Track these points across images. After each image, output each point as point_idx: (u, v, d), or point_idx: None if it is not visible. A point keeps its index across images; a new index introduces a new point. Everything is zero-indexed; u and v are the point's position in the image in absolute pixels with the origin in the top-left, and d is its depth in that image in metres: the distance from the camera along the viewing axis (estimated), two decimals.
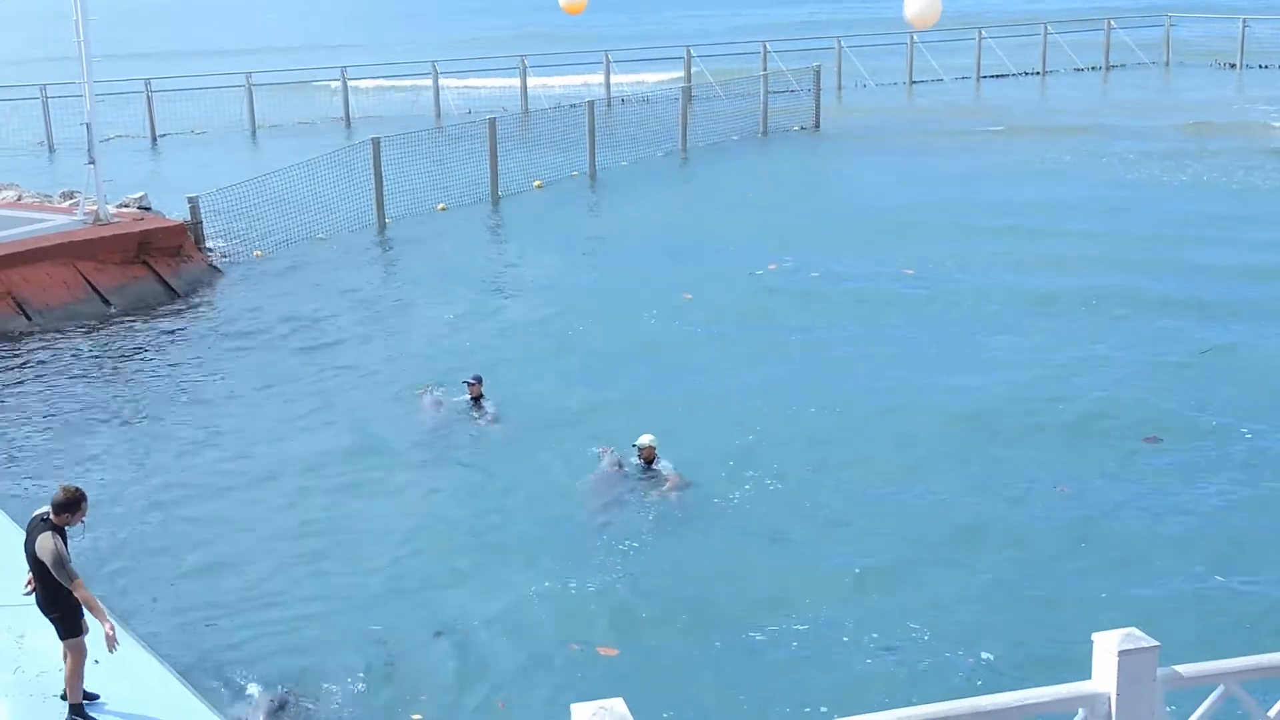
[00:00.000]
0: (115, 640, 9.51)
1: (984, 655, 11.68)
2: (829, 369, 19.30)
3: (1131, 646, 6.26)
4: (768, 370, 19.26)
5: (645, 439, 15.56)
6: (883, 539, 14.03)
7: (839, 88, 48.87)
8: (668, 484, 15.17)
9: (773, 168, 36.38)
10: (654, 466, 15.41)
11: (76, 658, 9.68)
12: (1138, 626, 6.51)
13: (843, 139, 39.71)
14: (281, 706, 10.83)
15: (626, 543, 14.05)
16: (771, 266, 24.85)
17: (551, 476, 15.76)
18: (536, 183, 33.51)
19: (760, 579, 13.25)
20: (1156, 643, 6.33)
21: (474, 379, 17.77)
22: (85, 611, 9.58)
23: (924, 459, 16.05)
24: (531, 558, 13.75)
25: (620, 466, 15.46)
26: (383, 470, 16.33)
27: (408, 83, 48.52)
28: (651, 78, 46.56)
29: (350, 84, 45.31)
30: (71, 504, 9.56)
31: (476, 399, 17.65)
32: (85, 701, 9.90)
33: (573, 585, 13.08)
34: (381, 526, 14.74)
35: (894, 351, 19.99)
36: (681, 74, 47.43)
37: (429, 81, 46.24)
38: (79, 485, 9.90)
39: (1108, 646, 6.31)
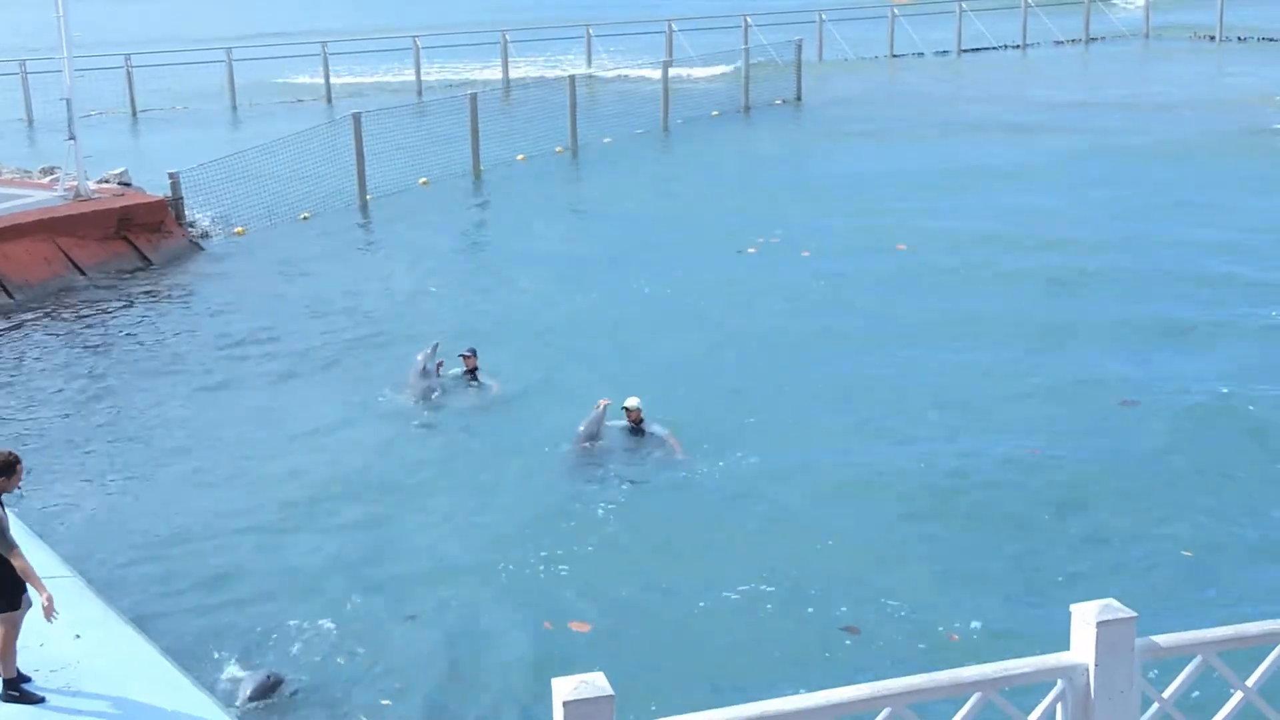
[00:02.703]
0: (53, 610, 9.23)
1: (962, 626, 11.71)
2: (815, 345, 19.32)
3: (1109, 617, 6.25)
4: (755, 345, 19.30)
5: (632, 401, 15.54)
6: (859, 510, 14.04)
7: (820, 60, 48.76)
8: (670, 445, 15.23)
9: (756, 142, 36.32)
10: (641, 428, 15.47)
11: (9, 631, 9.41)
12: (1116, 597, 6.51)
13: (825, 112, 39.70)
14: (266, 686, 10.75)
15: (605, 513, 14.06)
16: (752, 251, 24.84)
17: (537, 451, 15.79)
18: (519, 156, 33.39)
19: (737, 549, 13.25)
20: (1134, 613, 6.32)
21: (469, 351, 17.73)
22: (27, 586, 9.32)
23: (904, 429, 16.09)
24: (509, 533, 13.72)
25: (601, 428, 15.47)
26: (363, 446, 16.24)
27: (389, 78, 47.85)
28: (634, 73, 45.81)
29: (333, 82, 44.79)
30: (6, 468, 9.35)
31: (471, 372, 17.58)
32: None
33: (549, 560, 13.06)
34: (359, 503, 14.68)
35: (881, 326, 20.01)
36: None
37: (411, 75, 45.80)
38: (13, 450, 9.64)
39: (1085, 617, 6.30)
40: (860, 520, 13.85)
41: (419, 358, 17.56)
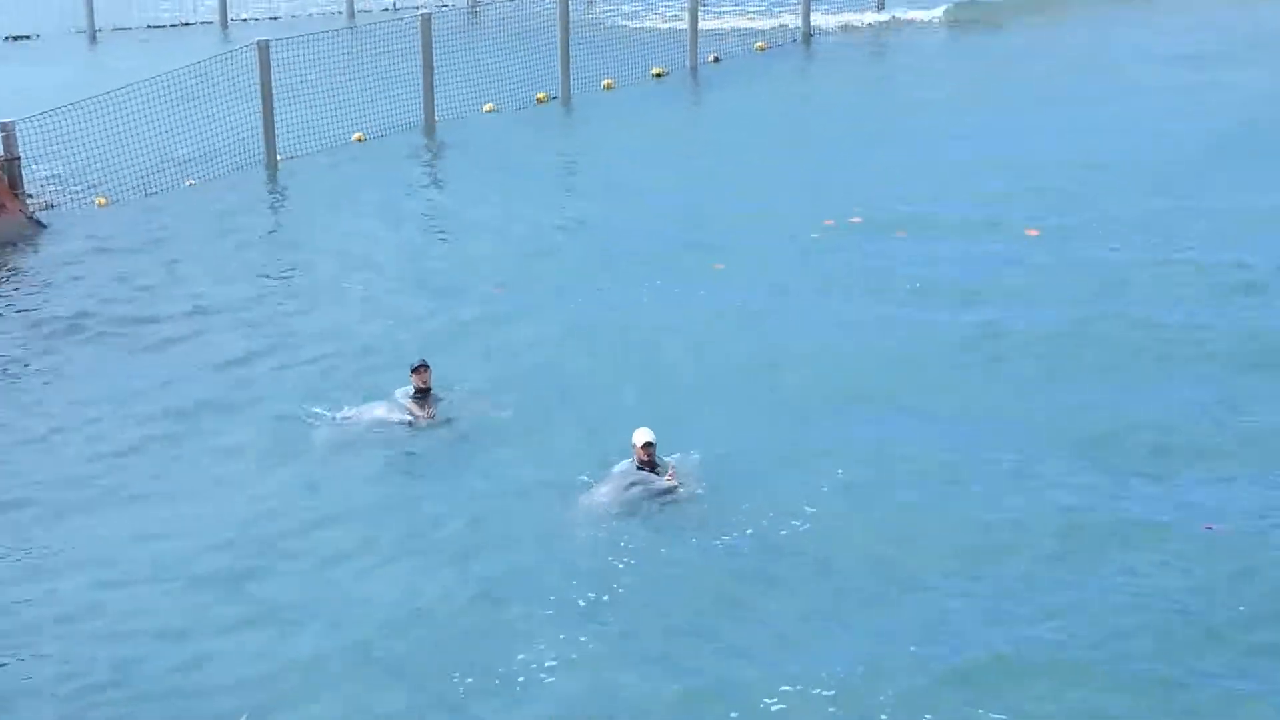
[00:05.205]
0: None
1: None
2: (901, 363, 19.32)
3: None
4: (820, 363, 19.36)
5: (641, 435, 15.79)
6: (948, 586, 14.04)
7: None
8: (674, 483, 15.60)
9: (822, 86, 36.41)
10: (656, 470, 15.77)
11: None
12: None
13: (919, 40, 39.92)
14: None
15: (611, 588, 14.17)
16: (829, 223, 24.98)
17: (518, 495, 16.01)
18: (486, 106, 33.65)
19: (770, 630, 13.42)
20: None
21: (420, 364, 18.02)
22: None
23: (1011, 473, 16.18)
24: (490, 614, 13.82)
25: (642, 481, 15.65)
26: (275, 492, 16.34)
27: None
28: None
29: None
30: None
31: (424, 391, 17.92)
32: None
33: (548, 656, 13.08)
34: (277, 572, 14.71)
35: (996, 343, 19.99)
36: None
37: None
38: None
39: None
40: (931, 596, 13.87)
41: (397, 393, 17.96)
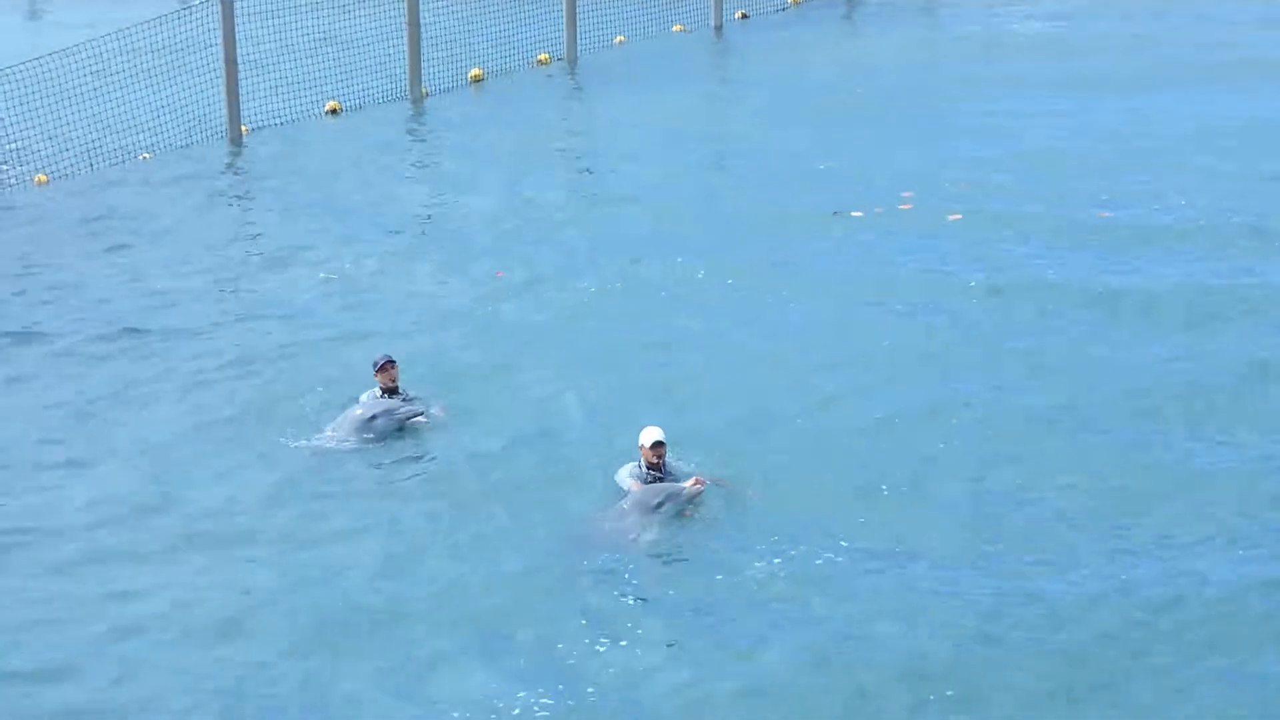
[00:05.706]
0: None
1: None
2: (963, 371, 18.90)
3: None
4: (860, 369, 19.05)
5: (650, 434, 15.80)
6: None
7: None
8: (700, 489, 15.72)
9: (868, 48, 36.47)
10: (662, 473, 15.92)
11: None
12: None
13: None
14: None
15: (611, 632, 13.60)
16: (878, 210, 24.47)
17: (507, 514, 15.86)
18: (474, 72, 33.61)
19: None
20: None
21: (385, 360, 18.19)
22: None
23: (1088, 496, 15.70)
24: (470, 660, 13.25)
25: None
26: (230, 518, 15.92)
27: None
28: None
29: None
30: None
31: (390, 391, 18.06)
32: None
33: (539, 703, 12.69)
34: (230, 606, 14.12)
35: (1071, 348, 19.47)
36: None
37: None
38: None
39: None
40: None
41: (364, 398, 18.24)
